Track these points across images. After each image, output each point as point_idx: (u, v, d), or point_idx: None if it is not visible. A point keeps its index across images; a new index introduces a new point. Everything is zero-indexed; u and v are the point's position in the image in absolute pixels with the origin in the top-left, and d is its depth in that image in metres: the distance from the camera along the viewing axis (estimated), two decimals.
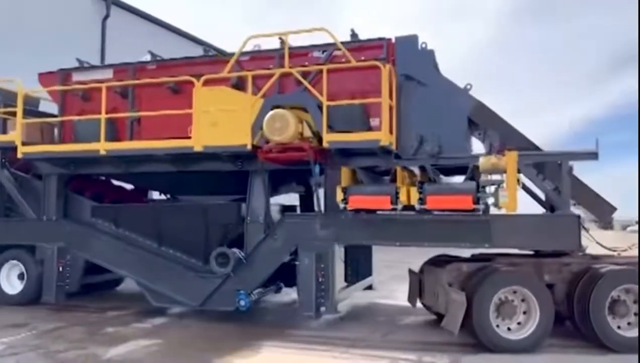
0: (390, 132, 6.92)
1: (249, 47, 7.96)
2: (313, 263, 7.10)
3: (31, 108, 9.43)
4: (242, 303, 7.43)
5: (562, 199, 6.66)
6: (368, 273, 9.44)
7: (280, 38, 7.86)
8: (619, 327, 6.21)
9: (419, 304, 7.93)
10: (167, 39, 20.33)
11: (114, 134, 8.42)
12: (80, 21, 16.78)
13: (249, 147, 7.23)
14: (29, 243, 8.77)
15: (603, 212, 7.24)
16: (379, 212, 7.19)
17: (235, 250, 7.66)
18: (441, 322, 6.32)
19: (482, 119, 7.19)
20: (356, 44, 7.53)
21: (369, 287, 9.47)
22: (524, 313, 6.19)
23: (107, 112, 8.48)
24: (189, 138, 7.68)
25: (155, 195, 11.08)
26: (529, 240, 6.61)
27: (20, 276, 8.94)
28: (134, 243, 8.34)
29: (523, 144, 7.09)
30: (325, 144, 6.92)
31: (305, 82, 7.11)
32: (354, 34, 7.64)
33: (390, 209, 6.75)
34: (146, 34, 19.15)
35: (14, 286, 8.96)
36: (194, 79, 7.62)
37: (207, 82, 7.63)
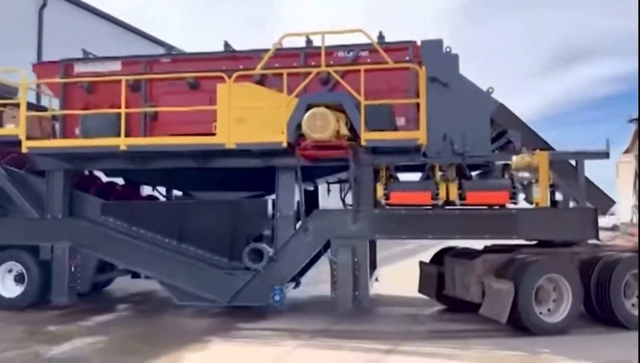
0: None
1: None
2: (350, 257, 7.34)
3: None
4: (277, 298, 7.55)
5: (579, 193, 7.34)
6: (372, 266, 9.78)
7: (307, 37, 8.01)
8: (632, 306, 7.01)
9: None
10: (109, 30, 19.59)
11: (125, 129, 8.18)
12: (15, 11, 15.77)
13: (285, 144, 7.31)
14: (32, 244, 8.29)
15: (604, 204, 8.05)
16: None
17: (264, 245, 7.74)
18: (479, 310, 6.79)
19: (503, 120, 7.74)
20: (382, 46, 7.80)
21: (375, 279, 9.82)
22: (555, 298, 6.80)
23: (116, 106, 8.26)
24: (211, 134, 7.65)
25: (147, 191, 10.84)
26: (551, 231, 7.25)
27: (18, 279, 8.45)
28: (151, 241, 8.15)
29: (539, 144, 7.73)
30: (363, 142, 7.17)
31: (343, 82, 7.30)
32: (381, 36, 7.91)
33: (430, 204, 7.15)
34: (86, 25, 18.39)
35: (10, 290, 8.46)
36: (224, 75, 7.57)
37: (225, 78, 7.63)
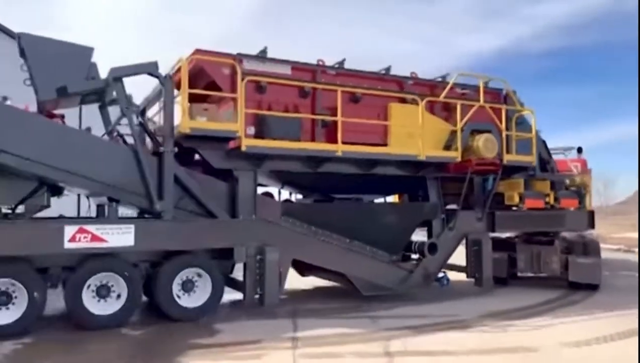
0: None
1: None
2: (490, 246, 9.85)
3: None
4: (445, 281, 9.47)
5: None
6: None
7: (457, 76, 9.96)
8: None
9: None
10: None
11: (299, 133, 8.53)
12: None
13: (459, 159, 9.30)
14: (227, 246, 7.77)
15: None
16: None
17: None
18: (569, 278, 10.30)
19: (542, 150, 11.40)
20: (489, 89, 10.48)
21: None
22: None
23: (287, 110, 8.55)
24: (379, 144, 8.95)
25: None
26: (577, 225, 11.29)
27: (189, 287, 7.73)
28: (329, 239, 8.72)
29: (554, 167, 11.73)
30: (505, 162, 9.77)
31: (493, 115, 9.74)
32: (487, 83, 10.50)
33: (542, 208, 10.30)
34: None
35: (185, 299, 7.69)
36: (418, 98, 9.04)
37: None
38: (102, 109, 9.01)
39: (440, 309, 8.64)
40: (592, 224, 11.57)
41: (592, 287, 10.28)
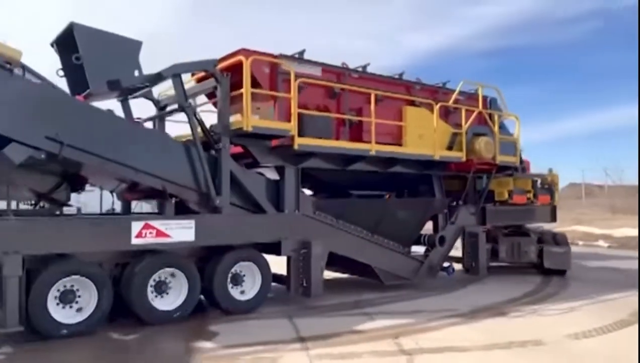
0: None
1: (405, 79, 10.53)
2: (485, 239, 10.91)
3: None
4: (451, 270, 10.36)
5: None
6: None
7: (463, 83, 10.88)
8: None
9: None
10: None
11: (332, 132, 8.97)
12: None
13: (464, 159, 10.22)
14: (274, 240, 8.04)
15: None
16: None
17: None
18: (545, 265, 11.59)
19: None
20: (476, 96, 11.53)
21: None
22: None
23: (318, 110, 8.98)
24: (395, 144, 9.67)
25: None
26: (543, 218, 12.70)
27: (237, 281, 7.93)
28: (354, 232, 9.25)
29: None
30: (497, 162, 10.84)
31: (490, 122, 10.78)
32: (477, 90, 11.51)
33: (525, 203, 11.51)
34: None
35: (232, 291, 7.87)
36: (433, 103, 9.81)
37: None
38: (124, 102, 8.88)
39: (433, 304, 8.73)
40: (554, 218, 13.09)
41: (561, 273, 11.72)
